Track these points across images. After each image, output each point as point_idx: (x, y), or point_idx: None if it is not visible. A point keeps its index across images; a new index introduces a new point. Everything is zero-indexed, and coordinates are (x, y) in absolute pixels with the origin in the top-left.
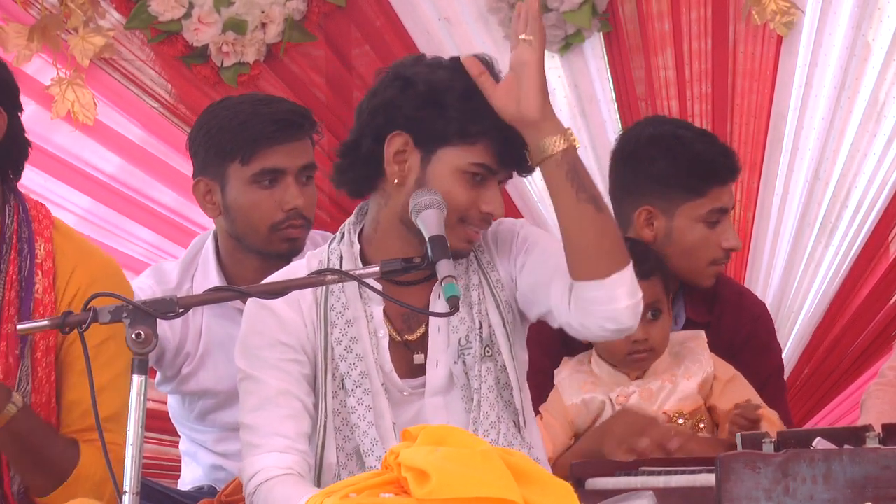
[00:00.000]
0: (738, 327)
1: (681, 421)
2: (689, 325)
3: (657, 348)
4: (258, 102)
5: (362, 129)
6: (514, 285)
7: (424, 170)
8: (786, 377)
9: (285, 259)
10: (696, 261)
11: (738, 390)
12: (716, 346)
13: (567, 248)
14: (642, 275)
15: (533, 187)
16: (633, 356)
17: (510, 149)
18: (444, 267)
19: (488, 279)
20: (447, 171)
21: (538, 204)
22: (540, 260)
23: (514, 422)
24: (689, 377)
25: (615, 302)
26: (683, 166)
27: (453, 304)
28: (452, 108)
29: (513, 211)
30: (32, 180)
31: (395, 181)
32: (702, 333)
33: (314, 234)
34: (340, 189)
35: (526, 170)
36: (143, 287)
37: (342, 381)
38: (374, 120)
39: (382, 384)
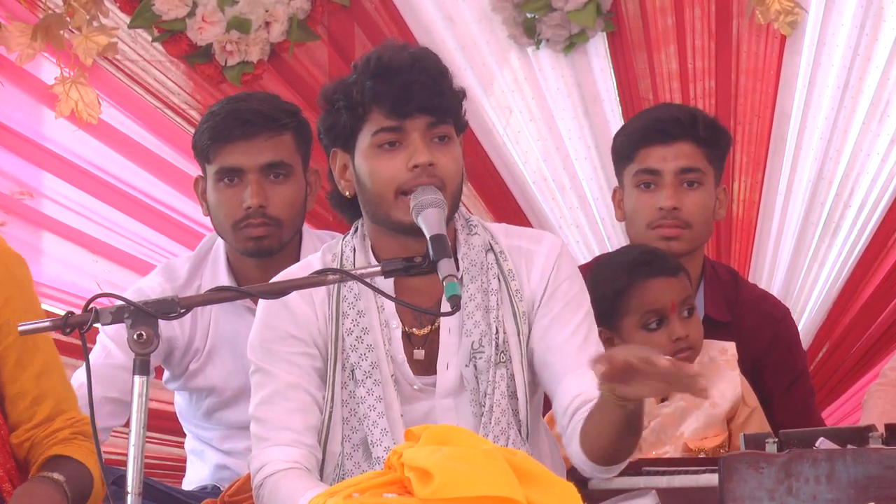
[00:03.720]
0: (761, 331)
1: (702, 456)
2: (709, 322)
3: (696, 346)
4: (233, 100)
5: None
6: (535, 309)
7: (354, 168)
8: None
9: (257, 257)
10: (636, 227)
11: (755, 424)
12: (740, 351)
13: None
14: (669, 271)
15: (536, 187)
16: (676, 356)
17: (401, 99)
18: (444, 266)
19: (508, 286)
20: (363, 157)
21: (541, 203)
22: (563, 336)
23: (519, 431)
24: (716, 406)
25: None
26: (621, 135)
27: (454, 304)
28: (338, 101)
29: (515, 211)
30: (36, 179)
31: (348, 194)
32: (732, 347)
33: (321, 233)
34: (342, 216)
35: (438, 107)
36: (153, 285)
37: (352, 371)
38: (323, 148)
39: (392, 375)
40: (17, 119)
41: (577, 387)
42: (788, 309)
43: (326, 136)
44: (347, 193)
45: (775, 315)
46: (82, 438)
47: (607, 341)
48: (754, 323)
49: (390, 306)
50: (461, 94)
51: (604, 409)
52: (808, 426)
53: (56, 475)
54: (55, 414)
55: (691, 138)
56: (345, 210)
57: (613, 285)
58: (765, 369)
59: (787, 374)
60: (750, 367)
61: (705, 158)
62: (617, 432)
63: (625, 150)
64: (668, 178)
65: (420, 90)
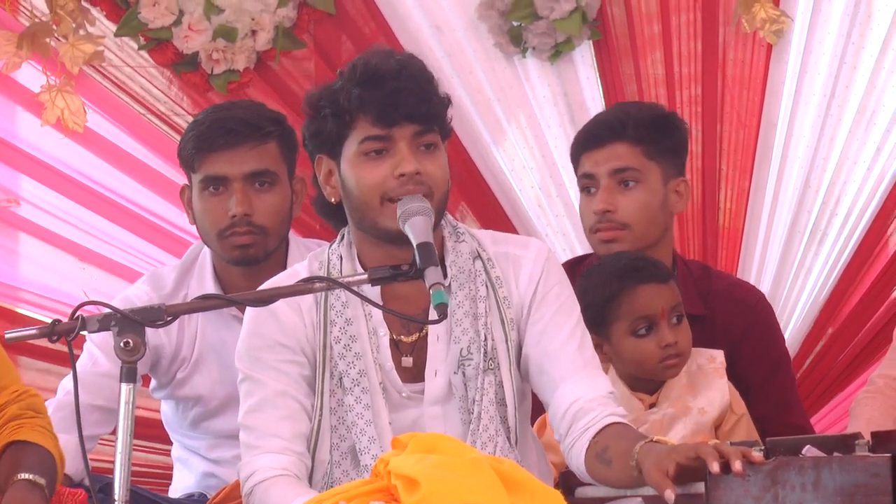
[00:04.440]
0: (735, 319)
1: None
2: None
3: (685, 353)
4: (217, 109)
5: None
6: (525, 315)
7: (339, 175)
8: None
9: (243, 266)
10: (585, 232)
11: (742, 430)
12: (715, 342)
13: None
14: (660, 278)
15: (523, 195)
16: (664, 363)
17: (388, 107)
18: (431, 274)
19: (496, 293)
20: (349, 164)
21: (528, 211)
22: (559, 341)
23: (508, 438)
24: (704, 413)
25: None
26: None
27: (441, 312)
28: (325, 108)
29: (502, 219)
30: (22, 187)
31: (333, 200)
32: (720, 355)
33: (308, 242)
34: (327, 223)
35: (425, 116)
36: (140, 294)
37: (340, 379)
38: (308, 153)
39: (380, 383)
40: (2, 127)
41: (573, 392)
42: (763, 294)
43: (312, 142)
44: (333, 200)
45: (749, 301)
46: (32, 414)
47: (596, 347)
48: (728, 311)
49: (378, 314)
50: (447, 101)
51: (629, 471)
52: (788, 420)
53: (37, 478)
54: None
55: (624, 139)
56: (329, 216)
57: (603, 291)
58: (742, 359)
59: (764, 362)
60: (728, 358)
61: (644, 156)
62: (632, 483)
63: (572, 157)
64: (602, 181)
65: (407, 98)
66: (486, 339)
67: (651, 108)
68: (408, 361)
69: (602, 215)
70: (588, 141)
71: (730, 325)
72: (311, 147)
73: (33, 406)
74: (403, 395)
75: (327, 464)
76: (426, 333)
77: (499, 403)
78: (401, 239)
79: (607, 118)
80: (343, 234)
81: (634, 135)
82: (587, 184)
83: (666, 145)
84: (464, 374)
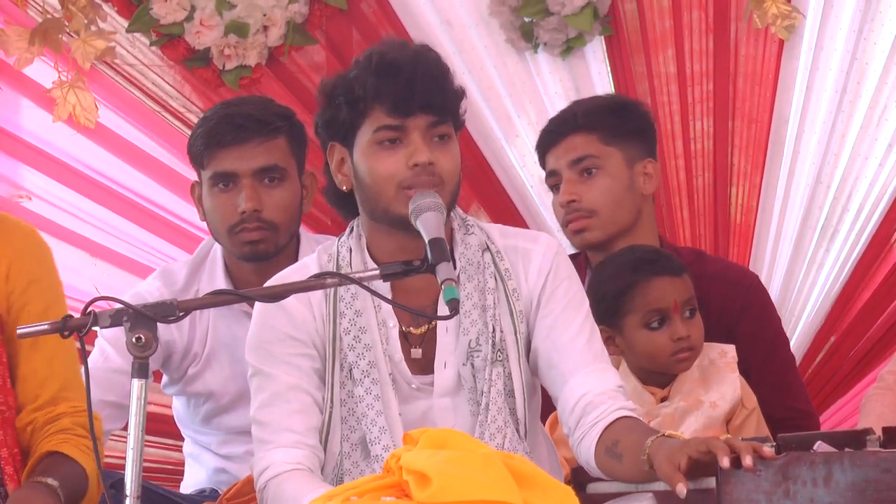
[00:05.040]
0: (730, 300)
1: None
2: None
3: (697, 347)
4: (226, 105)
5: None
6: (534, 308)
7: (352, 163)
8: None
9: (253, 262)
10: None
11: (752, 425)
12: (710, 324)
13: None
14: (674, 271)
15: (535, 191)
16: (677, 356)
17: (404, 97)
18: (443, 270)
19: (505, 286)
20: (362, 153)
21: (539, 206)
22: (568, 335)
23: (517, 430)
24: (716, 407)
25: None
26: None
27: (453, 307)
28: (339, 96)
29: (513, 214)
30: (34, 183)
31: (345, 188)
32: (731, 349)
33: (319, 237)
34: (338, 212)
35: (439, 107)
36: (151, 289)
37: (350, 370)
38: (320, 142)
39: (390, 374)
40: (14, 122)
41: (583, 386)
42: (757, 276)
43: (325, 130)
44: (345, 187)
45: (743, 283)
46: (82, 430)
47: (608, 340)
48: (723, 294)
49: (386, 306)
50: (461, 93)
51: (639, 465)
52: (791, 404)
53: (50, 480)
54: (59, 399)
55: (577, 129)
56: (341, 205)
57: (616, 283)
58: (739, 341)
59: (761, 343)
60: (725, 341)
61: (600, 142)
62: (642, 478)
63: (540, 162)
64: (564, 174)
65: (422, 89)
66: (494, 331)
67: (604, 97)
68: (417, 353)
69: (568, 206)
70: (546, 139)
71: (725, 308)
72: (324, 135)
73: (85, 424)
74: (413, 386)
75: (338, 455)
76: (435, 325)
77: (507, 395)
78: (413, 226)
79: (560, 114)
80: (352, 227)
81: (586, 123)
82: (553, 182)
83: (624, 129)
84: (472, 365)
